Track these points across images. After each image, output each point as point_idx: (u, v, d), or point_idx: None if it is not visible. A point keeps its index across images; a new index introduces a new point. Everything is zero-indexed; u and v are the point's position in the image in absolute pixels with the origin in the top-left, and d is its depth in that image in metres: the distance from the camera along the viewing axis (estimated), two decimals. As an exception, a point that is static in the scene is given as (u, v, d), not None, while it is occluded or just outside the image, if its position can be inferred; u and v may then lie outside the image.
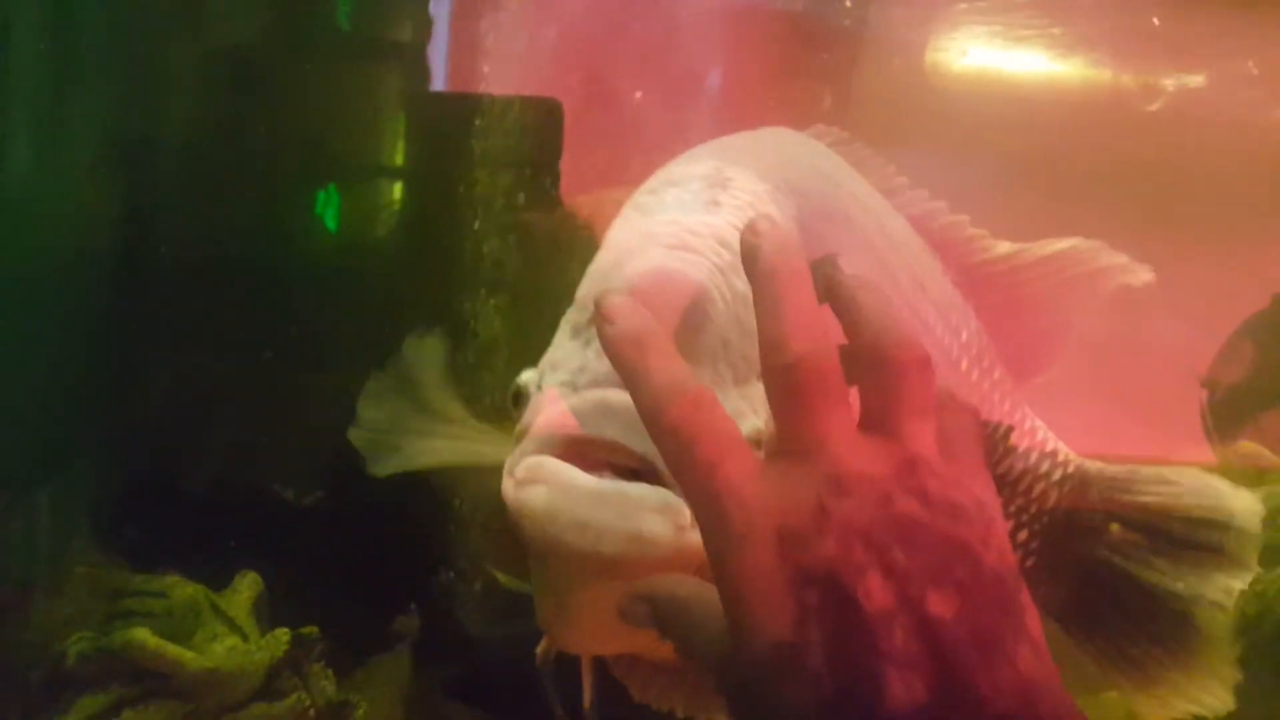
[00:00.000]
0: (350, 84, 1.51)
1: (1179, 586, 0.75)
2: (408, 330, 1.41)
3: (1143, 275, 0.75)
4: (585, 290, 0.58)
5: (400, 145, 1.57)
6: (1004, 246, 0.77)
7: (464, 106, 1.49)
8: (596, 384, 0.54)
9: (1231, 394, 1.85)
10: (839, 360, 0.42)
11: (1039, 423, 0.82)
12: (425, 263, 1.51)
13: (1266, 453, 1.40)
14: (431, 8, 1.53)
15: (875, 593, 0.37)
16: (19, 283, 1.28)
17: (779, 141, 0.75)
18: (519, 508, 0.53)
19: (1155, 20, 1.59)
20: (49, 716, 1.09)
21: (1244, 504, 0.75)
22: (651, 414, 0.43)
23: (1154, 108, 1.62)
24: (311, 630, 1.20)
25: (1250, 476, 1.37)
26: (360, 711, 1.19)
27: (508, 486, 0.54)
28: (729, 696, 0.40)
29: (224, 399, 1.41)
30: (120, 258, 1.39)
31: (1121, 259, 0.75)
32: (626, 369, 0.44)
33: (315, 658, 1.18)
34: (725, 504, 0.40)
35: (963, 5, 1.68)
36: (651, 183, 0.64)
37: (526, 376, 0.57)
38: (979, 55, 1.82)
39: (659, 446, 0.43)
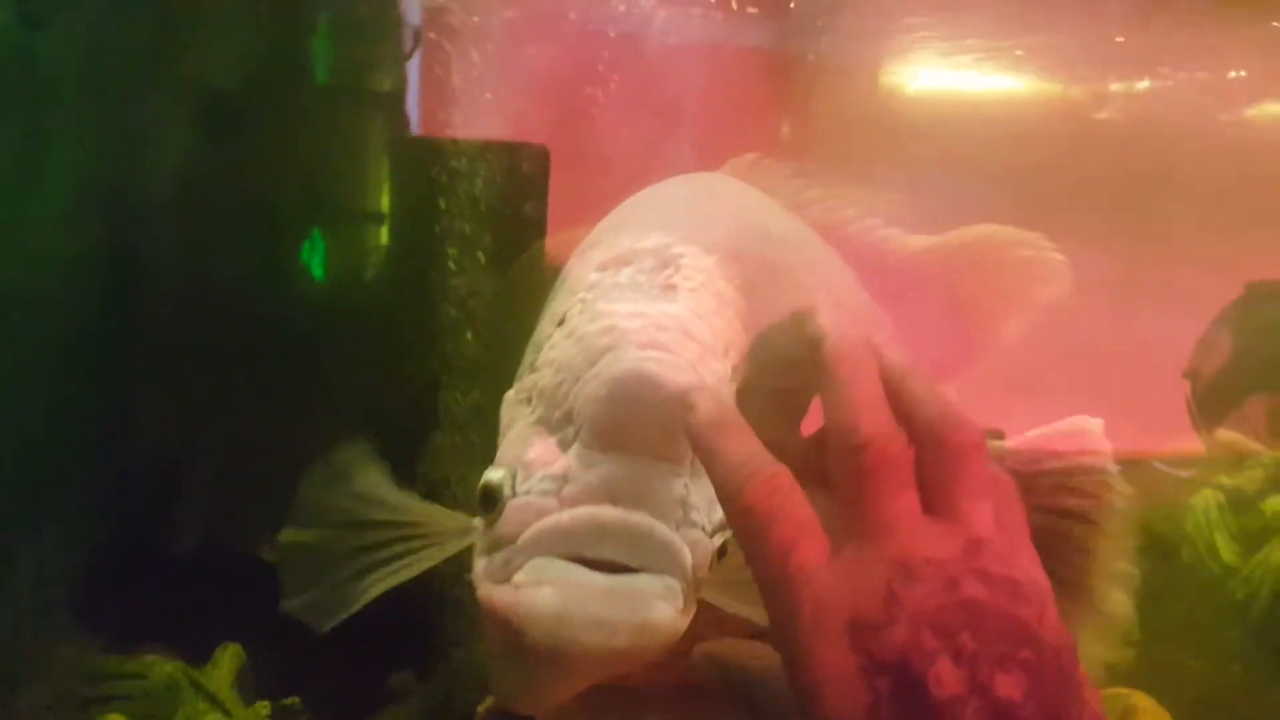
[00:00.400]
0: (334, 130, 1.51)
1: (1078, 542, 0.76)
2: (389, 387, 1.42)
3: (1055, 257, 0.76)
4: (555, 384, 0.57)
5: (385, 192, 1.56)
6: (918, 241, 0.77)
7: (446, 151, 1.47)
8: (583, 498, 0.53)
9: (1214, 383, 1.87)
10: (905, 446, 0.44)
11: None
12: (412, 313, 1.50)
13: (1243, 439, 1.41)
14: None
15: (946, 679, 0.38)
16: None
17: (709, 194, 0.76)
18: (523, 611, 0.52)
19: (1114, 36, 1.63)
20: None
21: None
22: (727, 494, 0.44)
23: (1103, 116, 1.66)
24: (294, 701, 1.19)
25: (1229, 464, 1.38)
26: (350, 781, 1.16)
27: (498, 592, 0.54)
28: None
29: (197, 463, 1.39)
30: (94, 320, 1.37)
31: (1033, 240, 0.76)
32: (704, 450, 0.46)
33: (300, 729, 1.15)
34: (797, 591, 0.41)
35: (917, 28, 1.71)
36: (599, 254, 0.63)
37: (498, 477, 0.56)
38: (933, 76, 1.85)
39: (733, 526, 0.44)
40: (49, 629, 1.27)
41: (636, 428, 0.53)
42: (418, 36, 1.51)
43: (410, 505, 0.73)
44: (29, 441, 1.26)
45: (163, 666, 1.20)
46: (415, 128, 1.53)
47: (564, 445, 0.55)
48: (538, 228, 1.44)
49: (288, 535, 0.76)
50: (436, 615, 1.31)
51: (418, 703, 1.28)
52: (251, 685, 1.24)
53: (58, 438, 1.30)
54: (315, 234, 1.52)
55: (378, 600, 1.31)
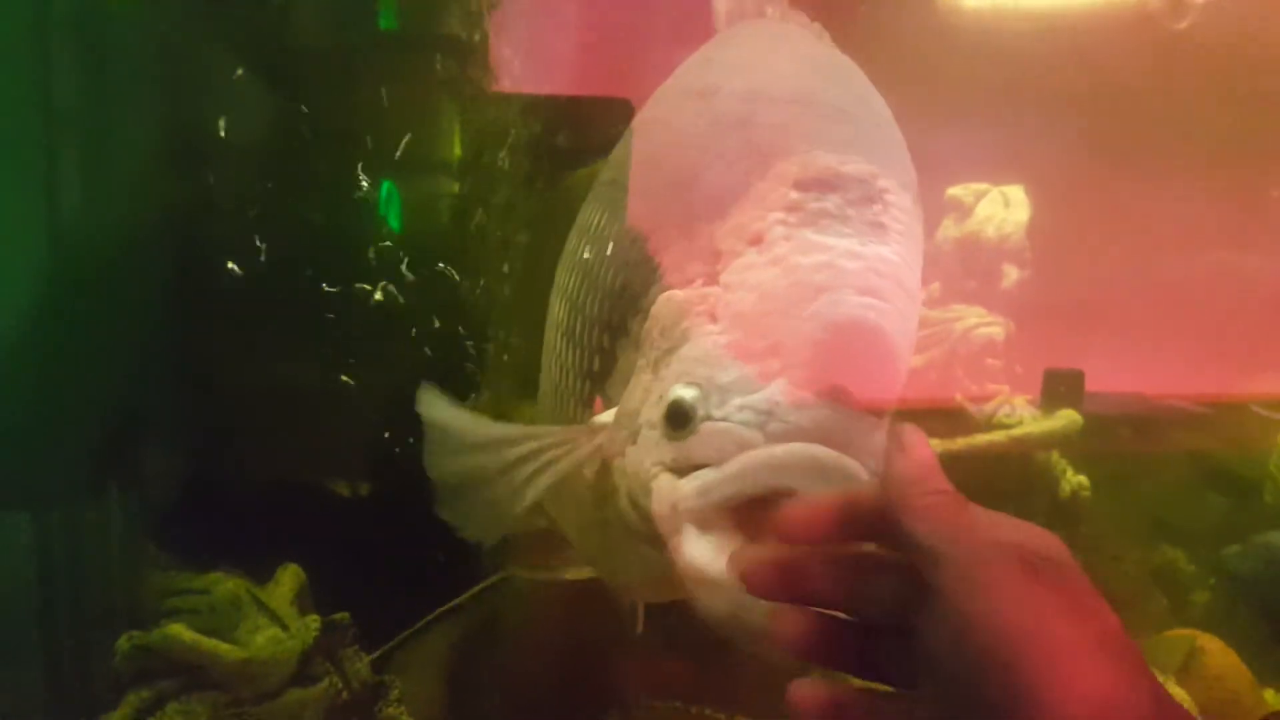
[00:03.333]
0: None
1: None
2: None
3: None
4: (759, 313, 0.56)
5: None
6: None
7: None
8: (792, 437, 0.54)
9: None
10: None
11: None
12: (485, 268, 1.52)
13: None
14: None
15: None
16: (74, 308, 1.34)
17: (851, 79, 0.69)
18: (693, 571, 0.54)
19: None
20: (104, 712, 1.15)
21: None
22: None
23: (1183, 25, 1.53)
24: (343, 616, 1.24)
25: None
26: (396, 693, 1.22)
27: (675, 517, 0.55)
28: None
29: (260, 406, 1.45)
30: (163, 273, 1.45)
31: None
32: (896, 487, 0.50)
33: (348, 642, 1.21)
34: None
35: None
36: (803, 172, 0.59)
37: (691, 395, 0.56)
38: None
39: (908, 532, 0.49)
40: (130, 552, 1.36)
41: (855, 379, 0.53)
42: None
43: (511, 429, 0.74)
44: (115, 386, 1.33)
45: (226, 583, 1.27)
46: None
47: (765, 377, 0.55)
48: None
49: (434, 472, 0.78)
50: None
51: (462, 622, 1.32)
52: (311, 606, 1.31)
53: (136, 380, 1.38)
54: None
55: (415, 527, 1.38)
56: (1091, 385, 1.58)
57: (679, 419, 0.56)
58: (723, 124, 0.62)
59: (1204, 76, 1.62)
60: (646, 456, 0.58)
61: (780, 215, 0.58)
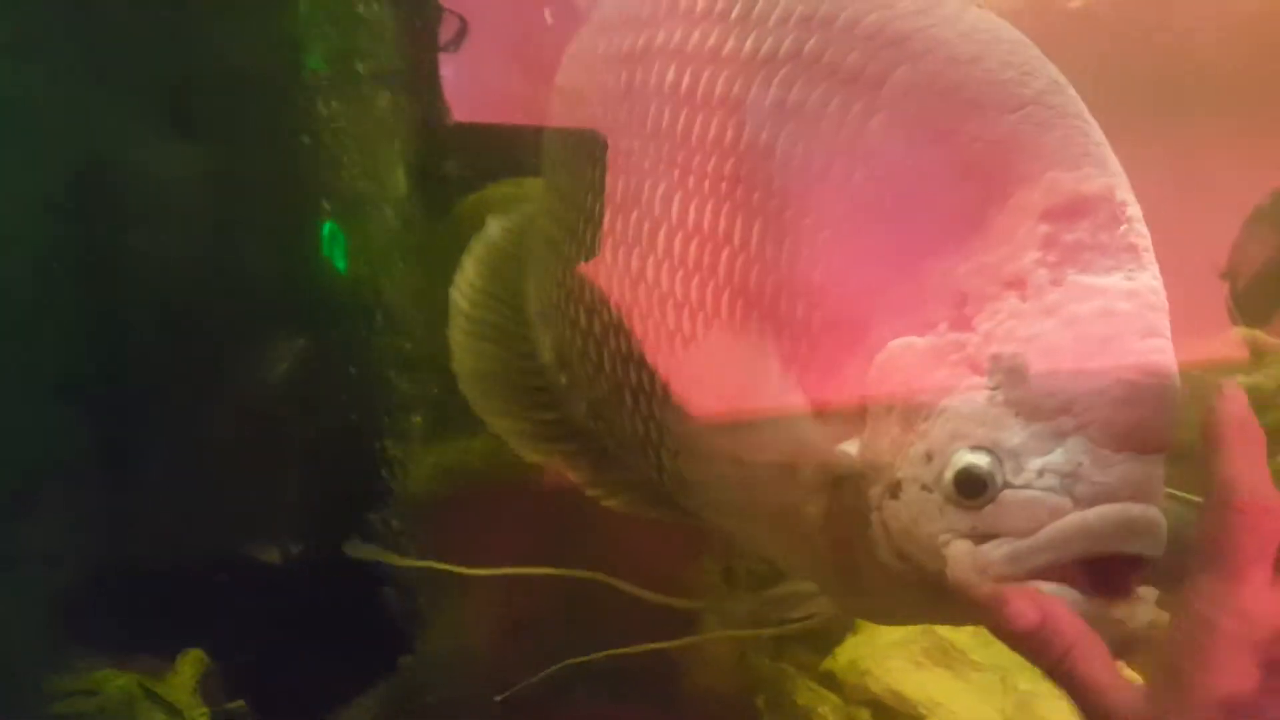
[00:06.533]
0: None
1: None
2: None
3: None
4: (1043, 370, 0.55)
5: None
6: None
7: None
8: (1102, 499, 0.53)
9: (1255, 282, 1.75)
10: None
11: None
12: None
13: (1263, 336, 1.31)
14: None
15: None
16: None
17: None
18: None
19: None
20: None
21: None
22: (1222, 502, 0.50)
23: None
24: (238, 704, 1.14)
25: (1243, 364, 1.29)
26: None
27: (983, 583, 0.55)
28: None
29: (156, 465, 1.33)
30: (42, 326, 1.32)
31: None
32: (1219, 445, 0.51)
33: (247, 732, 1.10)
34: (1225, 617, 0.49)
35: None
36: (1049, 199, 0.56)
37: (983, 462, 0.54)
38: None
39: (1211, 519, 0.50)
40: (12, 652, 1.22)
41: (1154, 428, 0.53)
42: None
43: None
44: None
45: (116, 680, 1.15)
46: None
47: (1057, 435, 0.53)
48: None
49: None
50: (398, 613, 1.25)
51: (379, 697, 1.21)
52: (219, 690, 1.19)
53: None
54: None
55: (341, 599, 1.27)
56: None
57: (973, 488, 0.55)
58: (924, 137, 0.59)
59: (1098, 58, 1.61)
60: (926, 521, 0.57)
61: (1037, 254, 0.55)
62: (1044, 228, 0.55)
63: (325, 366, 1.33)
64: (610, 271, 0.75)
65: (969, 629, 1.20)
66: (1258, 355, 1.23)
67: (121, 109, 1.31)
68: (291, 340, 1.34)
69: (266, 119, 1.35)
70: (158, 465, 1.29)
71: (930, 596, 0.58)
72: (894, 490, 0.57)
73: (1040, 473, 0.53)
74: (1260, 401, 1.29)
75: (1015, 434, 0.54)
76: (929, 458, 0.56)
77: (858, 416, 0.59)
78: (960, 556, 0.55)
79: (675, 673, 1.10)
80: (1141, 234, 0.57)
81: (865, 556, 0.60)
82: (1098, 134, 0.59)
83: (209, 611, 1.23)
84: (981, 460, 0.54)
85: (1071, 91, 0.59)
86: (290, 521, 1.33)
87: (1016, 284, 0.55)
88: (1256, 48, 1.67)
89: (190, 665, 1.18)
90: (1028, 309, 0.55)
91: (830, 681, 1.13)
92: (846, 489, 0.60)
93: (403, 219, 1.38)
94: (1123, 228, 0.56)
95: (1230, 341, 1.36)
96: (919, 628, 1.08)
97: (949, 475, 0.55)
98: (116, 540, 1.28)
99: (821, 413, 0.61)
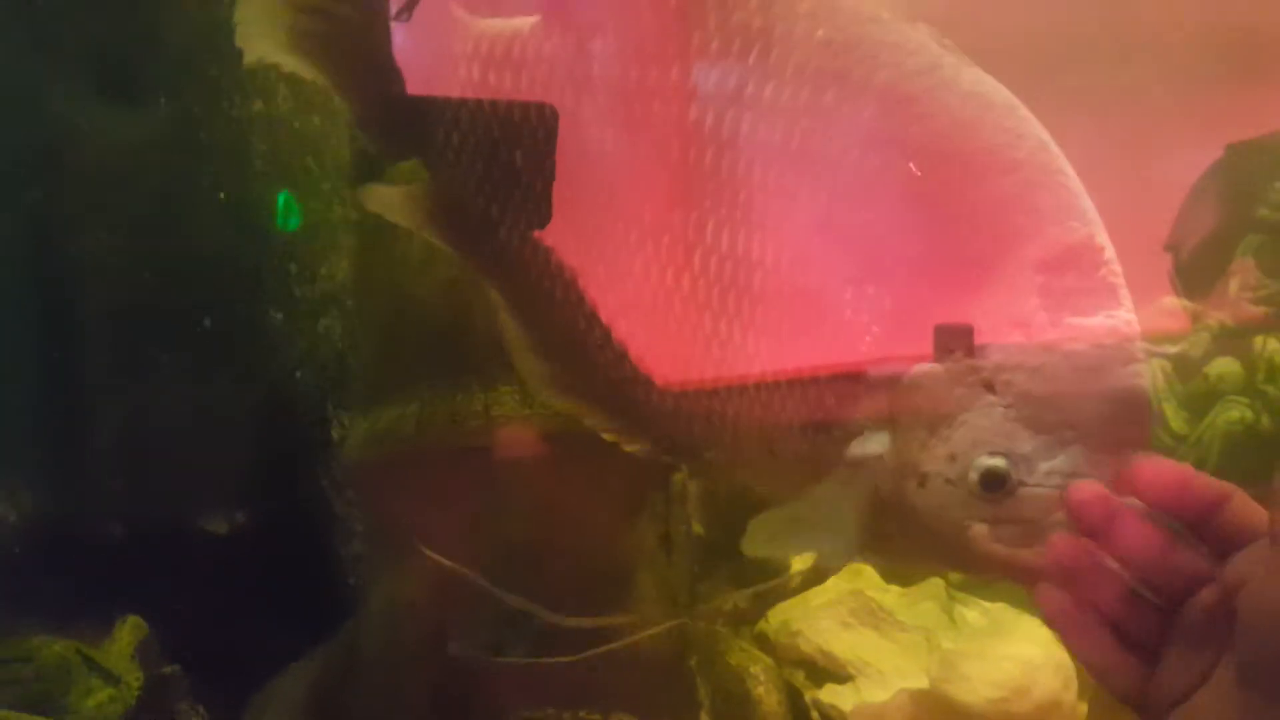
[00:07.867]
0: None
1: None
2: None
3: None
4: (1047, 393, 0.66)
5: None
6: None
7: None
8: None
9: (1198, 253, 1.75)
10: None
11: None
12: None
13: (1189, 304, 1.35)
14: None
15: None
16: None
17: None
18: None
19: None
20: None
21: None
22: None
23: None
24: (172, 668, 1.13)
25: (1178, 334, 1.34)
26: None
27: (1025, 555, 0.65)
28: None
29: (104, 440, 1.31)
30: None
31: None
32: None
33: (181, 695, 1.10)
34: None
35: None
36: (1043, 253, 0.67)
37: (1002, 464, 0.66)
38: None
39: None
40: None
41: (1135, 435, 0.65)
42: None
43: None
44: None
45: (52, 647, 1.14)
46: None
47: (1060, 444, 0.65)
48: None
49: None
50: (340, 576, 1.25)
51: (321, 658, 1.21)
52: (157, 656, 1.19)
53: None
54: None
55: (285, 566, 1.26)
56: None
57: (995, 484, 0.66)
58: (936, 195, 0.70)
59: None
60: (952, 508, 0.68)
61: (1037, 301, 0.67)
62: (1039, 278, 0.67)
63: (262, 332, 1.33)
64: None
65: (895, 591, 1.23)
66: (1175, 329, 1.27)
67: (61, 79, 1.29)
68: (231, 307, 1.33)
69: (210, 89, 1.34)
70: (92, 431, 1.29)
71: (949, 556, 0.72)
72: (921, 481, 0.69)
73: (1048, 474, 0.65)
74: (1187, 370, 1.32)
75: (1026, 443, 0.66)
76: (952, 459, 0.67)
77: (888, 425, 0.71)
78: (981, 536, 0.67)
79: (610, 634, 1.10)
80: (1116, 273, 0.68)
81: (897, 526, 0.72)
82: (1076, 183, 0.69)
83: (146, 577, 1.23)
84: (1000, 463, 0.66)
85: (1055, 147, 0.70)
86: (228, 486, 1.32)
87: (1021, 324, 0.67)
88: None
89: (128, 632, 1.18)
90: (1032, 344, 0.67)
91: (763, 642, 1.15)
92: (881, 479, 0.71)
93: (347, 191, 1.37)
94: (1102, 270, 0.67)
95: (1163, 311, 1.38)
96: (846, 590, 1.11)
97: (974, 475, 0.67)
98: (52, 507, 1.27)
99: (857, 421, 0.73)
